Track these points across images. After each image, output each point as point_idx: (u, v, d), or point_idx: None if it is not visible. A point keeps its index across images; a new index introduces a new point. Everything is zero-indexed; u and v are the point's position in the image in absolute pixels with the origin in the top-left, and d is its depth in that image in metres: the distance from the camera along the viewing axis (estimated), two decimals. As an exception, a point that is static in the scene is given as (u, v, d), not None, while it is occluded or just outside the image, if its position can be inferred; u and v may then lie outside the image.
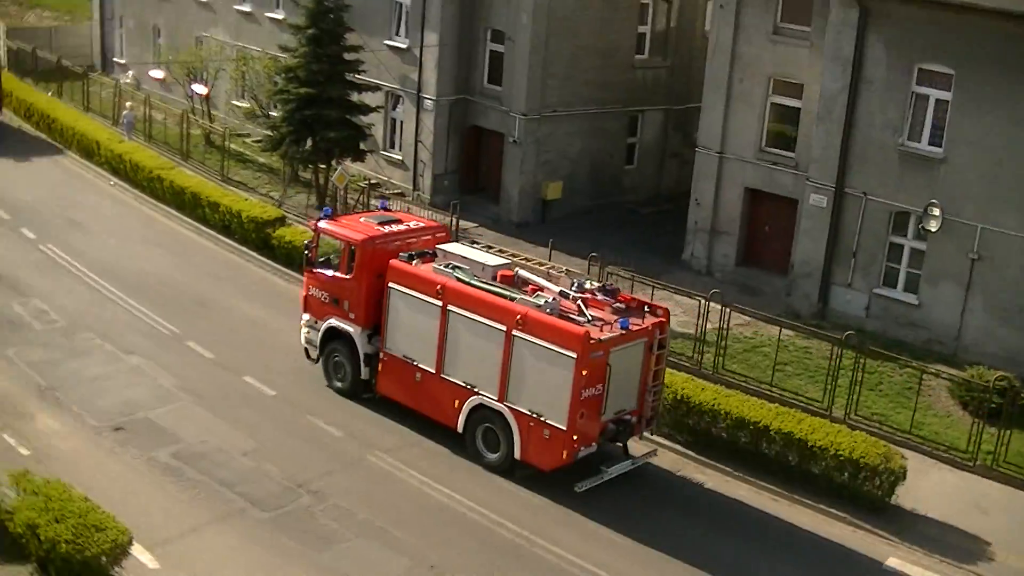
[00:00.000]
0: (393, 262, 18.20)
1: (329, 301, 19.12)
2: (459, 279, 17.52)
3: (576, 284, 17.80)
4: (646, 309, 17.60)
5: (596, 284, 18.13)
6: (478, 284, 17.38)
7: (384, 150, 33.03)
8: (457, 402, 17.41)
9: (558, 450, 16.40)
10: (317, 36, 28.26)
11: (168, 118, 36.14)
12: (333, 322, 19.06)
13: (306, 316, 19.66)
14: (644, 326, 17.13)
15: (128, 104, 36.69)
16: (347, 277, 18.71)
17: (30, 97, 38.30)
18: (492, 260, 18.42)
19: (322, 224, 19.49)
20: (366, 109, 29.59)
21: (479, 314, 17.01)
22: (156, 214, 29.66)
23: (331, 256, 19.18)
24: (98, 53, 47.30)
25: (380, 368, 18.55)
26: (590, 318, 16.64)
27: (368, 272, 18.39)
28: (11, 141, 35.29)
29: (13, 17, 58.00)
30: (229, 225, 27.47)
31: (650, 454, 18.15)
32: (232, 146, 34.04)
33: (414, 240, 18.98)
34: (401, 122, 32.56)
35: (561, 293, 17.33)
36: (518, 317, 16.55)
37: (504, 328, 16.68)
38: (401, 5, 31.68)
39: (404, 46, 31.55)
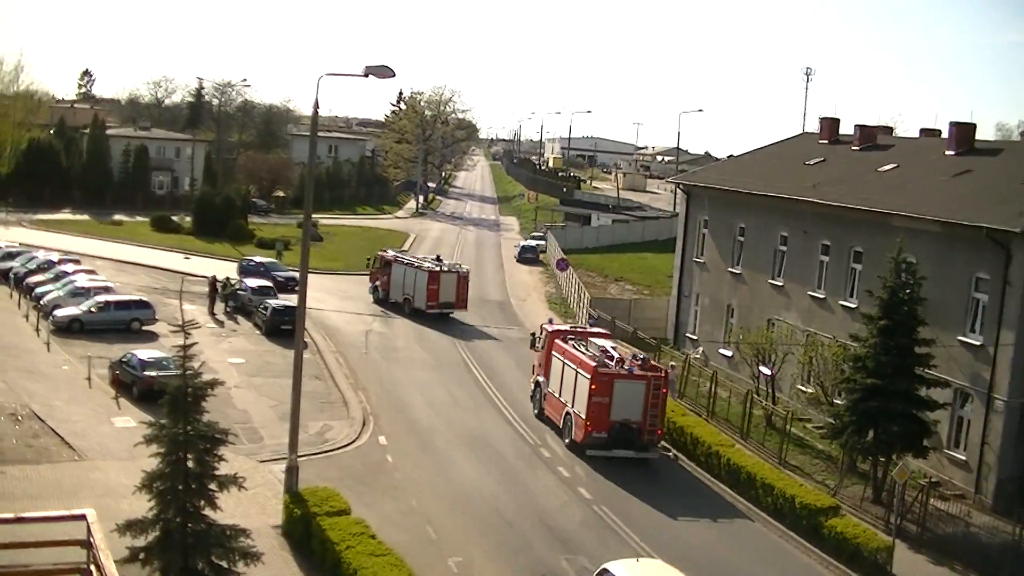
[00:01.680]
0: (556, 341, 46.17)
1: (536, 365, 47.70)
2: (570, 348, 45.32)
3: (636, 357, 44.53)
4: (662, 371, 43.33)
5: (639, 355, 45.34)
6: (577, 349, 44.92)
7: (947, 448, 40.62)
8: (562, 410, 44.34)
9: (582, 429, 41.84)
10: (889, 327, 36.87)
11: (732, 396, 48.22)
12: (538, 378, 47.40)
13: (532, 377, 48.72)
14: (644, 374, 42.22)
15: (671, 363, 50.87)
16: (542, 351, 47.31)
17: None
18: (602, 341, 45.81)
19: (548, 327, 48.47)
20: (933, 405, 37.15)
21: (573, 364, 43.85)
22: (710, 489, 40.02)
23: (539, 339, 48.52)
24: (672, 327, 62.34)
25: (545, 398, 46.68)
26: (615, 363, 42.62)
27: (547, 350, 46.72)
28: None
29: (598, 288, 77.58)
30: (780, 509, 36.13)
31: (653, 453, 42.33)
32: (793, 430, 44.19)
33: (574, 334, 47.50)
34: (968, 421, 40.09)
35: (608, 355, 43.49)
36: (581, 363, 43.15)
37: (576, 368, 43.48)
38: (978, 301, 40.11)
39: (978, 343, 39.57)
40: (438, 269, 68.85)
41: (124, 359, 47.01)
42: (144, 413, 40.82)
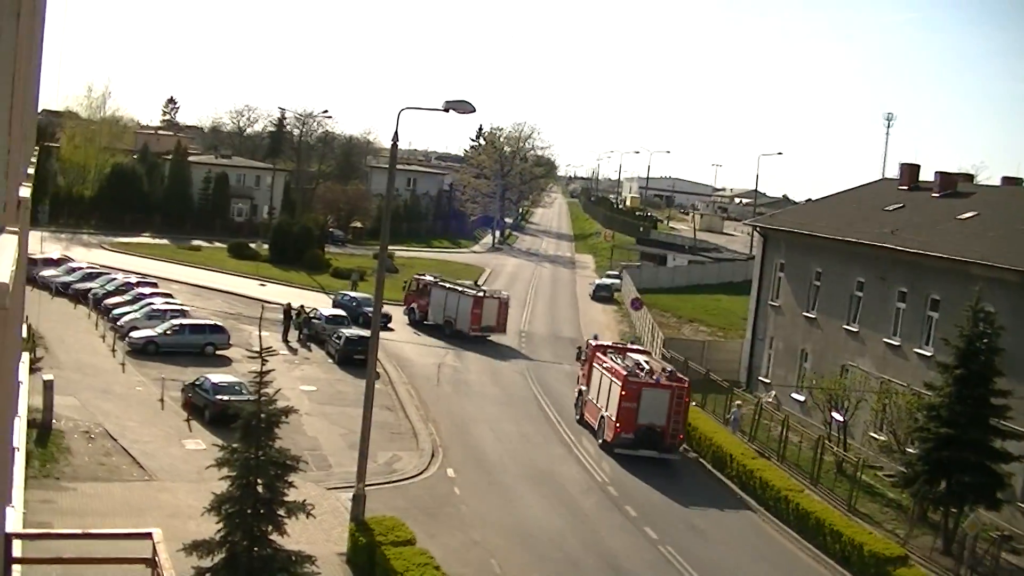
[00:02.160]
0: (598, 354, 51.66)
1: (580, 376, 54.26)
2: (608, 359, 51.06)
3: (664, 370, 50.05)
4: (686, 383, 48.27)
5: (667, 368, 50.89)
6: (614, 361, 50.48)
7: (1021, 501, 40.15)
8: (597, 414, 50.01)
9: (612, 430, 47.26)
10: (965, 376, 36.70)
11: (803, 441, 47.95)
12: (581, 387, 53.44)
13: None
14: (670, 384, 47.33)
15: (738, 403, 52.22)
16: (585, 363, 53.45)
17: None
18: (637, 356, 52.03)
19: (592, 342, 54.42)
20: (1008, 457, 36.90)
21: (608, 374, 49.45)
22: (777, 534, 39.92)
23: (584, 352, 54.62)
24: (745, 370, 62.04)
25: (585, 404, 52.31)
26: (645, 373, 48.24)
27: (589, 362, 52.44)
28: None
29: (672, 328, 77.32)
30: (848, 557, 35.91)
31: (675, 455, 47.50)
32: (863, 477, 43.81)
33: (614, 349, 53.73)
34: (1044, 475, 39.46)
35: (639, 366, 49.40)
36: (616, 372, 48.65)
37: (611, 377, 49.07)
38: (1057, 351, 39.57)
39: (1057, 396, 38.96)
40: (482, 295, 73.03)
41: (197, 382, 47.71)
42: (214, 436, 41.51)
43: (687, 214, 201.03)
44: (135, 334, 58.70)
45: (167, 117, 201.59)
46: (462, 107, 31.55)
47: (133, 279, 74.50)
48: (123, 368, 54.06)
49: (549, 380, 61.99)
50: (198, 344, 58.75)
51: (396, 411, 52.09)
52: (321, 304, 74.10)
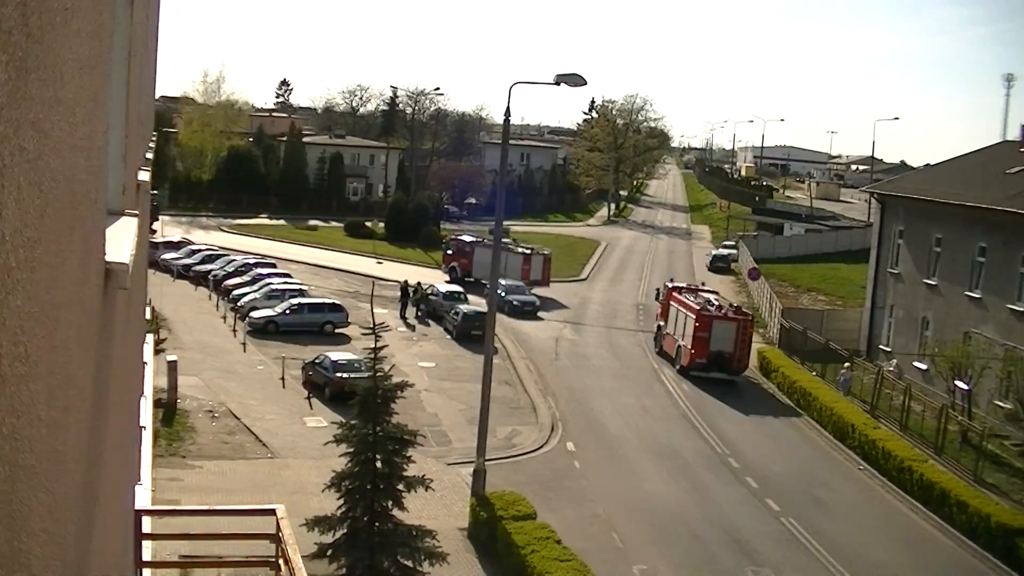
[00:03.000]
0: (674, 294, 60.24)
1: (658, 314, 62.93)
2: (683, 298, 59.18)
3: (731, 305, 59.70)
4: (750, 316, 58.10)
5: (734, 304, 60.88)
6: (687, 300, 58.60)
7: None
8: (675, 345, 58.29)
9: (688, 356, 55.57)
10: None
11: (926, 410, 46.92)
12: (660, 323, 62.05)
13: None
14: (736, 317, 55.92)
15: (846, 365, 53.02)
16: (664, 303, 61.69)
17: (794, 374, 53.50)
18: (708, 295, 60.79)
19: (668, 284, 63.26)
20: None
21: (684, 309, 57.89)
22: (901, 505, 39.24)
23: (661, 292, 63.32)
24: (865, 339, 60.97)
25: (663, 338, 60.60)
26: (715, 308, 56.95)
27: (666, 301, 60.79)
28: (777, 422, 49.78)
29: (790, 298, 76.49)
30: (975, 528, 35.15)
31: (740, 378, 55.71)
32: (989, 446, 43.02)
33: (687, 289, 61.50)
34: None
35: (709, 303, 58.11)
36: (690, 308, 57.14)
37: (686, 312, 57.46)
38: None
39: None
40: (530, 251, 79.42)
41: (317, 361, 48.41)
42: (335, 414, 42.00)
43: (803, 182, 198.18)
44: (255, 314, 59.77)
45: (281, 99, 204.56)
46: (573, 80, 31.47)
47: (251, 260, 75.94)
48: (244, 348, 55.12)
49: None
50: (317, 323, 59.63)
51: (515, 386, 52.30)
52: (438, 280, 74.62)
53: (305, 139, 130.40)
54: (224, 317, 61.92)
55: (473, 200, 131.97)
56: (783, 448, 45.20)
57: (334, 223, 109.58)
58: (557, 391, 51.71)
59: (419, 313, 66.83)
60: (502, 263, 74.89)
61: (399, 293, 67.79)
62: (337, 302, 62.86)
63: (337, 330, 59.73)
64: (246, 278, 69.24)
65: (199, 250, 78.87)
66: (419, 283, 69.54)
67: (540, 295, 73.83)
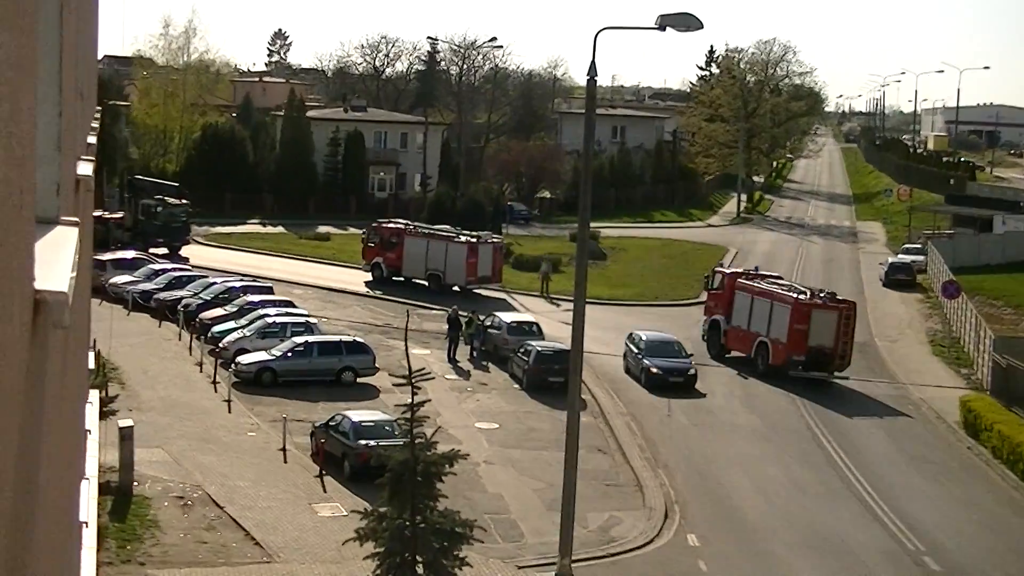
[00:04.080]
0: (739, 281, 71.06)
1: (712, 306, 72.58)
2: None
3: (820, 291, 70.12)
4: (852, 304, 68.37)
5: (825, 291, 70.57)
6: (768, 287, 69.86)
7: None
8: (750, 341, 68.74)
9: (781, 354, 65.35)
10: None
11: None
12: (715, 317, 71.89)
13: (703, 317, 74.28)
14: (837, 305, 65.85)
15: None
16: (720, 292, 71.89)
17: (1018, 434, 52.22)
18: (781, 281, 73.07)
19: (724, 270, 75.88)
20: None
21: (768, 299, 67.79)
22: None
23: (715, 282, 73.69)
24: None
25: (726, 334, 70.70)
26: (808, 296, 67.04)
27: (728, 290, 70.82)
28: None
29: (1006, 323, 75.62)
30: None
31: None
32: None
33: (754, 275, 72.75)
34: None
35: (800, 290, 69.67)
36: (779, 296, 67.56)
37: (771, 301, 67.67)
38: None
39: None
40: (476, 240, 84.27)
41: (332, 423, 48.21)
42: (358, 498, 41.88)
43: (1021, 156, 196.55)
44: (244, 359, 59.74)
45: (275, 59, 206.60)
46: (684, 22, 31.02)
47: (238, 283, 76.04)
48: (229, 407, 55.11)
49: (828, 404, 61.24)
50: (331, 369, 59.56)
51: (611, 454, 51.98)
52: (501, 308, 74.39)
53: (310, 113, 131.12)
54: (200, 364, 61.93)
55: (547, 194, 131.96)
56: (1008, 544, 44.42)
57: (353, 229, 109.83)
58: (671, 461, 51.50)
59: (474, 353, 66.62)
60: (441, 256, 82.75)
61: (446, 326, 67.58)
62: (359, 340, 62.77)
63: (360, 379, 59.72)
64: (230, 308, 69.38)
65: (163, 270, 79.18)
66: (474, 312, 69.30)
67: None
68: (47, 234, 7.49)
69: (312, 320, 66.76)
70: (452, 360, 65.27)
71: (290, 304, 71.64)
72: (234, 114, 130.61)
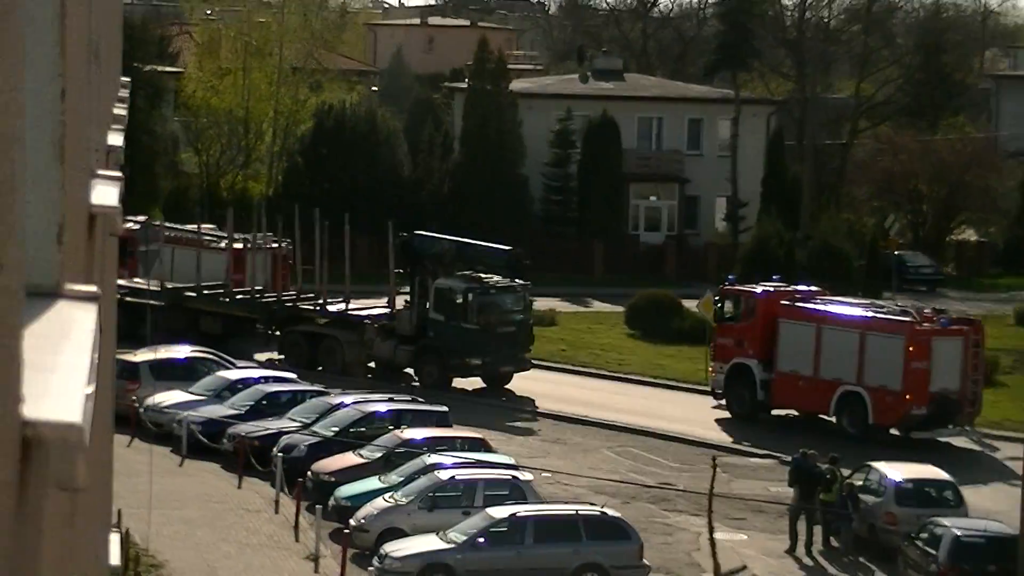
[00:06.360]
0: (783, 303, 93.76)
1: (731, 345, 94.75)
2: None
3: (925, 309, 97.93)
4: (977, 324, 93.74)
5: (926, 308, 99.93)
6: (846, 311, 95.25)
7: None
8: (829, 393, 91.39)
9: (898, 409, 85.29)
10: None
11: None
12: (742, 360, 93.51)
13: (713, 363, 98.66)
14: (960, 328, 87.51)
15: None
16: (745, 323, 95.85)
17: None
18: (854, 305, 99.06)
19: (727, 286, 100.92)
20: None
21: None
22: None
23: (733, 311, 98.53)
24: None
25: (773, 383, 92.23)
26: (919, 320, 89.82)
27: (763, 318, 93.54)
28: None
29: None
30: None
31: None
32: None
33: (807, 294, 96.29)
34: None
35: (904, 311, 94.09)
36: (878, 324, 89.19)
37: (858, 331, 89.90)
38: None
39: None
40: (242, 246, 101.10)
41: None
42: None
43: None
44: (397, 548, 59.93)
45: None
46: None
47: (382, 403, 76.27)
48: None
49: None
50: (561, 569, 59.48)
51: None
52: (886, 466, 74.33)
53: (517, 83, 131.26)
54: (315, 558, 62.20)
55: (971, 234, 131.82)
56: None
57: (599, 304, 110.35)
58: None
59: (837, 540, 65.91)
60: (191, 262, 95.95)
61: (788, 479, 67.15)
62: (611, 513, 62.54)
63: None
64: (370, 453, 69.70)
65: (244, 381, 79.74)
66: (834, 458, 68.79)
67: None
68: (43, 314, 7.29)
69: (523, 476, 67.11)
70: (797, 552, 64.85)
71: (482, 445, 71.92)
72: (374, 87, 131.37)
